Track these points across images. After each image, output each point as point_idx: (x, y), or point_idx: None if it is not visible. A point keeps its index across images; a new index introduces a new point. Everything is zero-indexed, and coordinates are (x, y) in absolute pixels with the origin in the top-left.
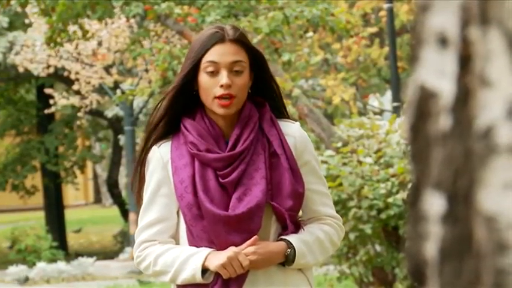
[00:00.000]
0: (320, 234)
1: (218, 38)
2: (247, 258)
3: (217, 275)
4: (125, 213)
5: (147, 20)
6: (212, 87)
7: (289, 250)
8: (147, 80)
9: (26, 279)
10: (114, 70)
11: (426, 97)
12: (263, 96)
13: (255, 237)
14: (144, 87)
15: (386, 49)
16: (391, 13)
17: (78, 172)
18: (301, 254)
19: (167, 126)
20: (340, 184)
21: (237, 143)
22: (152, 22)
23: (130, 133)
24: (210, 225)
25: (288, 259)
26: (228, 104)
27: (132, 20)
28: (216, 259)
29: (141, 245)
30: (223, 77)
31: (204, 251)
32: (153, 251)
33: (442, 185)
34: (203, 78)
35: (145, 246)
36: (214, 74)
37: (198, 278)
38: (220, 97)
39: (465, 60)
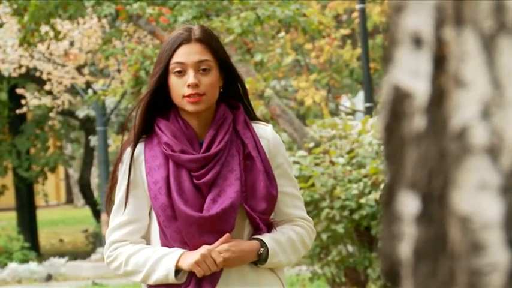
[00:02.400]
0: (292, 234)
1: (184, 38)
2: (221, 255)
3: (190, 275)
4: (96, 214)
5: (119, 20)
6: (181, 87)
7: (262, 249)
8: (119, 81)
9: None
10: (86, 70)
11: (401, 97)
12: (232, 97)
13: (227, 235)
14: (116, 88)
15: (358, 50)
16: (363, 14)
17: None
18: (274, 252)
19: (142, 128)
20: (313, 185)
21: (211, 144)
22: (124, 22)
23: (102, 133)
24: (183, 227)
25: (260, 258)
26: (196, 100)
27: (104, 20)
28: (190, 258)
29: (111, 245)
30: (190, 77)
31: (177, 251)
32: (125, 251)
33: (417, 186)
34: (172, 80)
35: (116, 246)
36: (182, 74)
37: (171, 278)
38: (188, 96)
39: (440, 61)
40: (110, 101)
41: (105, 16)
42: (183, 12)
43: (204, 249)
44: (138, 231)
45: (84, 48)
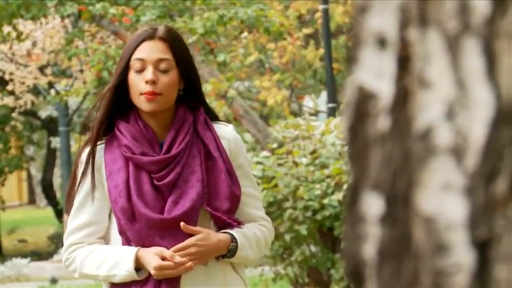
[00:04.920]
0: (257, 232)
1: (147, 35)
2: (186, 253)
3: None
4: (59, 215)
5: (82, 20)
6: (139, 84)
7: (232, 243)
8: (82, 81)
9: None
10: (48, 71)
11: (364, 98)
12: (193, 99)
13: (199, 228)
14: (78, 88)
15: (321, 50)
16: (326, 14)
17: (10, 174)
18: (242, 246)
19: (102, 128)
20: (276, 185)
21: (172, 145)
22: (87, 22)
23: (64, 134)
24: (144, 229)
25: (230, 252)
26: (152, 98)
27: (66, 21)
28: (148, 265)
29: (69, 248)
30: (148, 73)
31: (132, 251)
32: (81, 253)
33: (381, 186)
34: (131, 76)
35: (74, 249)
36: (141, 71)
37: (134, 277)
38: (145, 94)
39: (404, 61)
40: (72, 102)
41: (68, 16)
42: (146, 12)
43: (157, 262)
44: (96, 233)
45: (46, 49)
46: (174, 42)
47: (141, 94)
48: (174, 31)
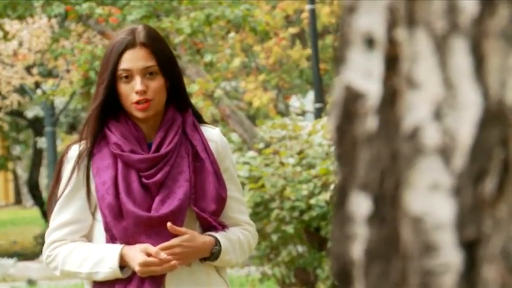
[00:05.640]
0: (240, 236)
1: (128, 43)
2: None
3: (134, 272)
4: (45, 215)
5: (69, 20)
6: (129, 93)
7: (216, 247)
8: (68, 81)
9: None
10: (35, 70)
11: (352, 98)
12: (179, 99)
13: (183, 229)
14: (65, 88)
15: (308, 50)
16: (313, 14)
17: None
18: (226, 250)
19: (95, 133)
20: (263, 185)
21: (161, 145)
22: (73, 22)
23: (51, 134)
24: (130, 227)
25: (213, 255)
26: (145, 107)
27: (53, 20)
28: (133, 261)
29: (51, 245)
30: (137, 84)
31: (116, 248)
32: (63, 251)
33: (369, 186)
34: (120, 86)
35: (55, 246)
36: (129, 80)
37: (118, 275)
38: (137, 103)
39: (392, 62)
40: (59, 102)
41: (55, 16)
42: (132, 12)
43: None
44: (79, 231)
45: (33, 49)
46: (155, 45)
47: (133, 103)
48: (154, 32)
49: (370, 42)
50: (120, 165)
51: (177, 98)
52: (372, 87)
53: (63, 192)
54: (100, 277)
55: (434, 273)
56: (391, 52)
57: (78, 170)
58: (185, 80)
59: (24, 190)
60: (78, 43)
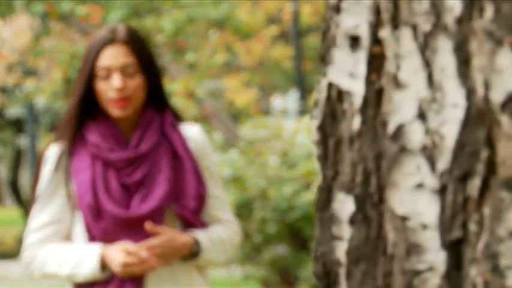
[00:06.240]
0: (222, 234)
1: (108, 40)
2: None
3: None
4: (26, 214)
5: (50, 18)
6: (106, 91)
7: (197, 246)
8: (50, 80)
9: None
10: (16, 70)
11: (337, 98)
12: (158, 99)
13: (162, 228)
14: (46, 87)
15: (290, 50)
16: (295, 14)
17: None
18: (206, 249)
19: (72, 133)
20: (245, 185)
21: (139, 144)
22: (55, 20)
23: (31, 133)
24: (110, 226)
25: (193, 254)
26: (123, 104)
27: (34, 19)
28: (113, 262)
29: (30, 246)
30: (116, 81)
31: (96, 249)
32: (43, 252)
33: (353, 187)
34: (98, 83)
35: (35, 247)
36: (107, 77)
37: (99, 276)
38: (115, 101)
39: (377, 61)
40: (40, 101)
41: (37, 14)
42: (114, 11)
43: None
44: (59, 231)
45: (14, 48)
46: (135, 43)
47: (110, 101)
48: (134, 31)
49: (354, 42)
50: (98, 165)
51: (156, 97)
52: (356, 87)
53: (42, 192)
54: (80, 278)
55: (419, 274)
56: (376, 52)
57: (57, 169)
58: (167, 79)
59: (5, 190)
60: (60, 42)
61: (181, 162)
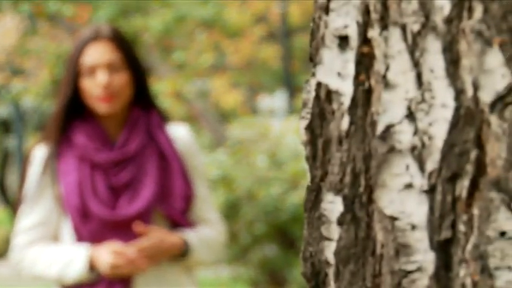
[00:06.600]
0: (210, 234)
1: (92, 37)
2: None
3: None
4: (14, 215)
5: (38, 18)
6: (92, 88)
7: (185, 247)
8: (37, 80)
9: None
10: (3, 70)
11: (326, 98)
12: (145, 99)
13: (150, 229)
14: (34, 87)
15: (278, 49)
16: (283, 14)
17: None
18: (195, 249)
19: (58, 132)
20: (233, 186)
21: (125, 144)
22: (43, 20)
23: (19, 134)
24: (97, 228)
25: (182, 254)
26: (109, 100)
27: (21, 18)
28: (101, 263)
29: (19, 247)
30: (101, 77)
31: (84, 250)
32: (31, 253)
33: (342, 187)
34: (83, 81)
35: (23, 248)
36: (92, 75)
37: (87, 278)
38: (101, 97)
39: (366, 61)
40: (27, 102)
41: (24, 14)
42: (101, 10)
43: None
44: (47, 233)
45: (1, 48)
46: (120, 40)
47: (96, 98)
48: (118, 30)
49: (343, 42)
50: (85, 167)
51: (142, 97)
52: (345, 87)
53: (30, 194)
54: (69, 280)
55: (408, 274)
56: (365, 52)
57: (44, 171)
58: (154, 79)
59: None
60: (47, 42)
61: (168, 163)
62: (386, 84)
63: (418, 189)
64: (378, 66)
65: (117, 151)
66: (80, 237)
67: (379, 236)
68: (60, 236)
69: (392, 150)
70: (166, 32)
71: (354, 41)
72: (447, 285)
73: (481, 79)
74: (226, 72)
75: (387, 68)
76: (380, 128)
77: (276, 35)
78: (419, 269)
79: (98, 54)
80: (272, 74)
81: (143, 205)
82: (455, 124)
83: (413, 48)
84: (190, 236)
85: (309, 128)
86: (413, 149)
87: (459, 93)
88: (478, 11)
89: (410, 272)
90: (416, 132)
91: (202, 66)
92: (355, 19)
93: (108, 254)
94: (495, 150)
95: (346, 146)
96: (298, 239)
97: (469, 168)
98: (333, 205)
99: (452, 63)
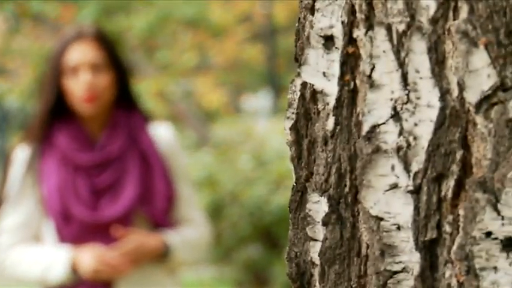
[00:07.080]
0: (194, 234)
1: (75, 37)
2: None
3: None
4: None
5: (21, 18)
6: (75, 88)
7: (168, 247)
8: (21, 80)
9: None
10: None
11: (311, 98)
12: (128, 99)
13: (131, 233)
14: (17, 87)
15: (263, 50)
16: (268, 14)
17: None
18: (178, 249)
19: (40, 133)
20: (217, 186)
21: (107, 145)
22: (27, 19)
23: (3, 133)
24: (79, 230)
25: (164, 255)
26: (92, 100)
27: (5, 19)
28: (83, 266)
29: (1, 248)
30: (84, 77)
31: (66, 252)
32: (13, 254)
33: (327, 187)
34: (66, 82)
35: (5, 249)
36: (75, 74)
37: (69, 280)
38: (84, 97)
39: (351, 61)
40: (11, 101)
41: (8, 14)
42: (84, 10)
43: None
44: (29, 233)
45: None
46: (103, 40)
47: (79, 98)
48: (102, 30)
49: (329, 43)
50: (67, 168)
51: (125, 97)
52: (330, 87)
53: (12, 194)
54: (50, 282)
55: (393, 275)
56: (350, 52)
57: (27, 171)
58: (138, 79)
59: None
60: (32, 42)
61: (150, 164)
62: (372, 85)
63: (404, 190)
64: (363, 66)
65: (99, 152)
66: (62, 238)
67: (365, 236)
68: (42, 237)
69: (377, 150)
70: (150, 32)
71: (339, 41)
72: (432, 285)
73: (466, 79)
74: (211, 72)
75: (372, 68)
76: (365, 128)
77: (260, 35)
78: (404, 270)
79: (81, 53)
80: (256, 74)
81: (125, 207)
82: (440, 124)
83: (399, 48)
84: (172, 236)
85: (294, 128)
86: (398, 149)
87: (445, 94)
88: (464, 11)
89: (395, 273)
90: (401, 132)
91: (186, 66)
92: (341, 19)
93: (89, 259)
94: (481, 151)
95: (331, 147)
96: (283, 240)
97: (455, 168)
98: (318, 205)
99: (438, 63)
